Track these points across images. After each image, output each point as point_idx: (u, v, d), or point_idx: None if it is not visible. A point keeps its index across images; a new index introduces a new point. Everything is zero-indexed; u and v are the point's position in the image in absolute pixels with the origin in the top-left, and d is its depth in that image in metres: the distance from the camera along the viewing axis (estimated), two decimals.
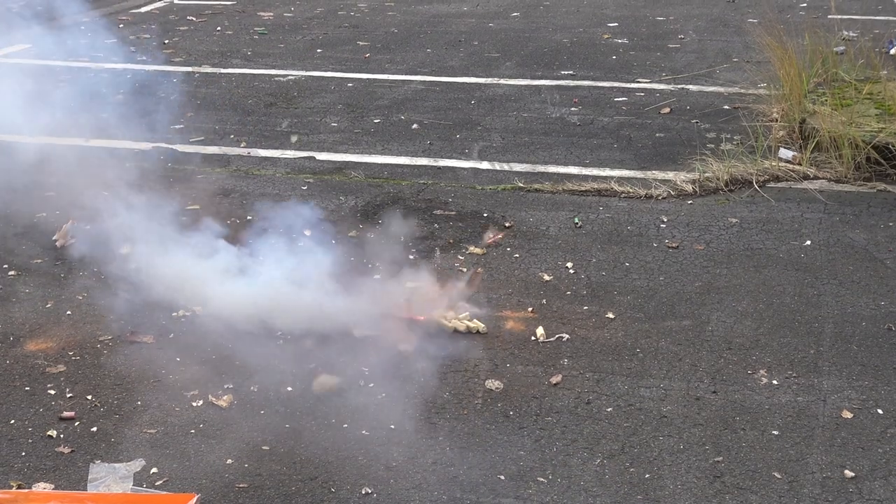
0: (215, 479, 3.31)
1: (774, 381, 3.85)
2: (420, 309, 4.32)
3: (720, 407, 3.70)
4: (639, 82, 8.19)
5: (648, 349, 4.10)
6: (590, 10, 11.40)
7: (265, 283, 4.38)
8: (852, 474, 3.31)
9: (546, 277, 4.74)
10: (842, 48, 8.01)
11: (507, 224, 5.35)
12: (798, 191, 5.80)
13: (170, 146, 6.69)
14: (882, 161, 5.90)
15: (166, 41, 9.94)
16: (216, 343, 4.12)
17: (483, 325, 4.24)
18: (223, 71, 8.77)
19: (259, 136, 6.96)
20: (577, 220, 5.39)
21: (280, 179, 6.09)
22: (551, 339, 4.18)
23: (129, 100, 7.51)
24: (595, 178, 6.01)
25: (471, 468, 3.36)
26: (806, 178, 5.94)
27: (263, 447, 3.48)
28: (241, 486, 3.28)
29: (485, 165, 6.31)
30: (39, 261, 4.92)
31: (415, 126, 7.09)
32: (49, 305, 4.49)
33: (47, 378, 3.90)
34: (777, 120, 6.78)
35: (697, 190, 5.79)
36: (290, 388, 3.82)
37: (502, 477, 3.32)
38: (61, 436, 3.54)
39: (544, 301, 4.51)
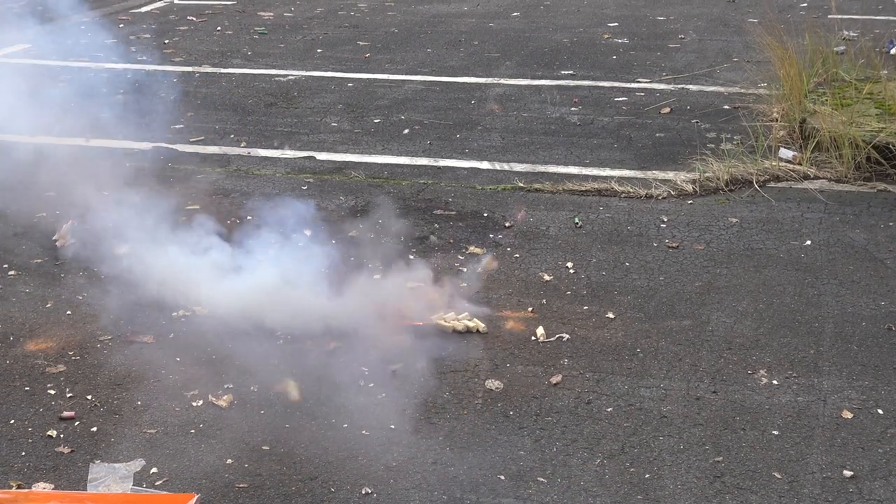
0: (215, 479, 3.31)
1: (774, 381, 3.85)
2: (420, 309, 4.33)
3: (720, 407, 3.70)
4: (639, 82, 8.19)
5: (648, 349, 4.10)
6: (590, 9, 11.40)
7: (265, 283, 4.37)
8: (852, 474, 3.31)
9: (546, 277, 4.74)
10: (842, 48, 8.00)
11: (507, 224, 5.35)
12: (798, 191, 5.80)
13: (170, 146, 6.69)
14: (882, 161, 5.90)
15: (166, 41, 9.94)
16: (216, 343, 4.12)
17: (483, 325, 4.24)
18: (223, 71, 8.78)
19: (259, 135, 6.96)
20: (577, 220, 5.39)
21: (280, 179, 6.09)
22: (551, 339, 4.18)
23: (129, 100, 7.52)
24: (595, 178, 6.01)
25: (471, 468, 3.36)
26: (806, 177, 5.94)
27: (263, 447, 3.48)
28: (240, 486, 3.28)
29: (485, 165, 6.31)
30: (39, 261, 4.92)
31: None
32: (49, 305, 4.49)
33: (47, 378, 3.90)
34: (777, 120, 6.78)
35: (698, 190, 5.79)
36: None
37: (502, 477, 3.32)
38: (61, 436, 3.54)
39: (544, 301, 4.51)
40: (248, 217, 5.30)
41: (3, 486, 3.27)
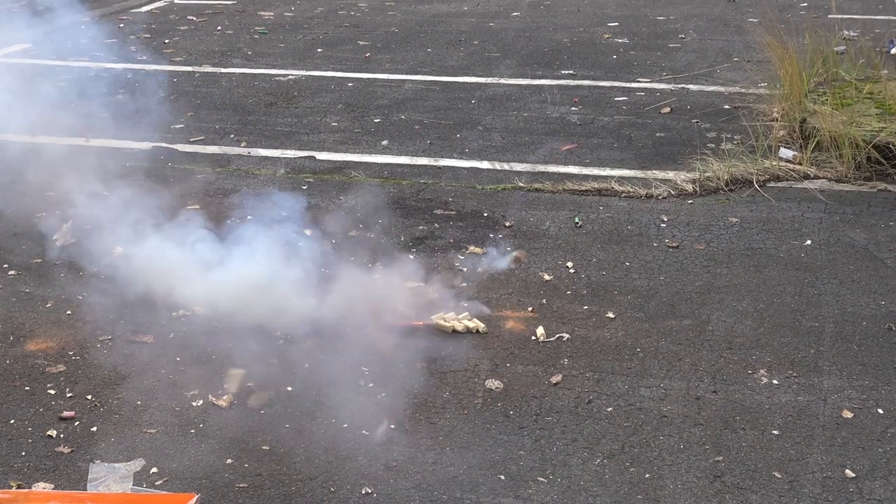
0: (215, 479, 3.31)
1: (775, 381, 3.85)
2: (420, 309, 4.32)
3: (720, 406, 3.70)
4: (639, 82, 8.19)
5: (649, 349, 4.10)
6: (590, 9, 11.40)
7: (265, 283, 4.37)
8: (853, 474, 3.31)
9: (546, 277, 4.74)
10: (842, 48, 8.00)
11: (507, 224, 5.35)
12: (798, 190, 5.80)
13: (170, 146, 6.69)
14: (882, 160, 5.90)
15: (166, 41, 9.94)
16: (216, 343, 4.12)
17: (483, 325, 4.24)
18: (223, 70, 8.77)
19: (259, 135, 6.96)
20: (577, 220, 5.39)
21: (280, 179, 6.09)
22: (551, 338, 4.18)
23: (129, 99, 7.51)
24: (595, 178, 6.01)
25: (471, 468, 3.36)
26: (806, 177, 5.94)
27: (263, 447, 3.48)
28: (241, 486, 3.28)
29: (485, 165, 6.31)
30: (39, 261, 4.92)
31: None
32: (49, 305, 4.49)
33: (47, 378, 3.90)
34: (777, 119, 6.78)
35: (698, 189, 5.79)
36: (290, 388, 3.82)
37: (502, 477, 3.32)
38: (61, 436, 3.54)
39: (544, 301, 4.51)
40: (248, 217, 5.30)
41: (3, 486, 3.27)
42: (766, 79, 7.30)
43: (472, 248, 5.04)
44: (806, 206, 5.57)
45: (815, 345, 4.11)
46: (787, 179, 5.92)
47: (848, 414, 3.64)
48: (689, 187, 5.80)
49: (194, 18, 11.15)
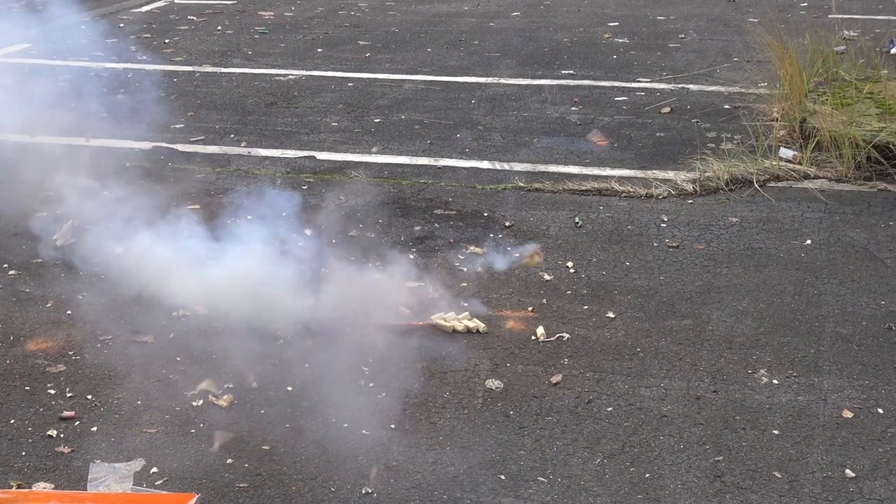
0: (215, 478, 3.31)
1: (775, 381, 3.85)
2: (420, 308, 4.32)
3: (720, 406, 3.70)
4: (639, 82, 8.19)
5: (649, 349, 4.10)
6: (590, 9, 11.40)
7: (265, 283, 4.37)
8: (853, 474, 3.31)
9: (546, 277, 4.74)
10: (842, 47, 8.00)
11: (507, 223, 5.35)
12: (798, 190, 5.80)
13: (170, 146, 6.69)
14: (882, 160, 5.90)
15: (167, 41, 9.94)
16: (216, 343, 4.12)
17: (483, 325, 4.24)
18: (223, 70, 8.77)
19: (259, 135, 6.96)
20: (577, 220, 5.39)
21: (280, 179, 6.09)
22: (551, 338, 4.18)
23: (129, 99, 7.52)
24: (595, 178, 6.01)
25: (471, 468, 3.36)
26: (806, 177, 5.94)
27: (263, 447, 3.48)
28: (241, 485, 3.28)
29: (485, 165, 6.31)
30: (39, 261, 4.92)
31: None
32: (49, 305, 4.49)
33: (47, 378, 3.90)
34: (777, 119, 6.78)
35: (698, 189, 5.79)
36: (290, 388, 3.81)
37: (502, 477, 3.32)
38: (61, 435, 3.54)
39: (544, 300, 4.51)
40: (248, 217, 5.30)
41: (3, 486, 3.27)
42: (766, 79, 7.30)
43: (472, 247, 5.04)
44: (806, 205, 5.57)
45: (815, 345, 4.11)
46: (787, 179, 5.92)
47: (848, 414, 3.64)
48: (690, 187, 5.80)
49: (194, 18, 11.15)
